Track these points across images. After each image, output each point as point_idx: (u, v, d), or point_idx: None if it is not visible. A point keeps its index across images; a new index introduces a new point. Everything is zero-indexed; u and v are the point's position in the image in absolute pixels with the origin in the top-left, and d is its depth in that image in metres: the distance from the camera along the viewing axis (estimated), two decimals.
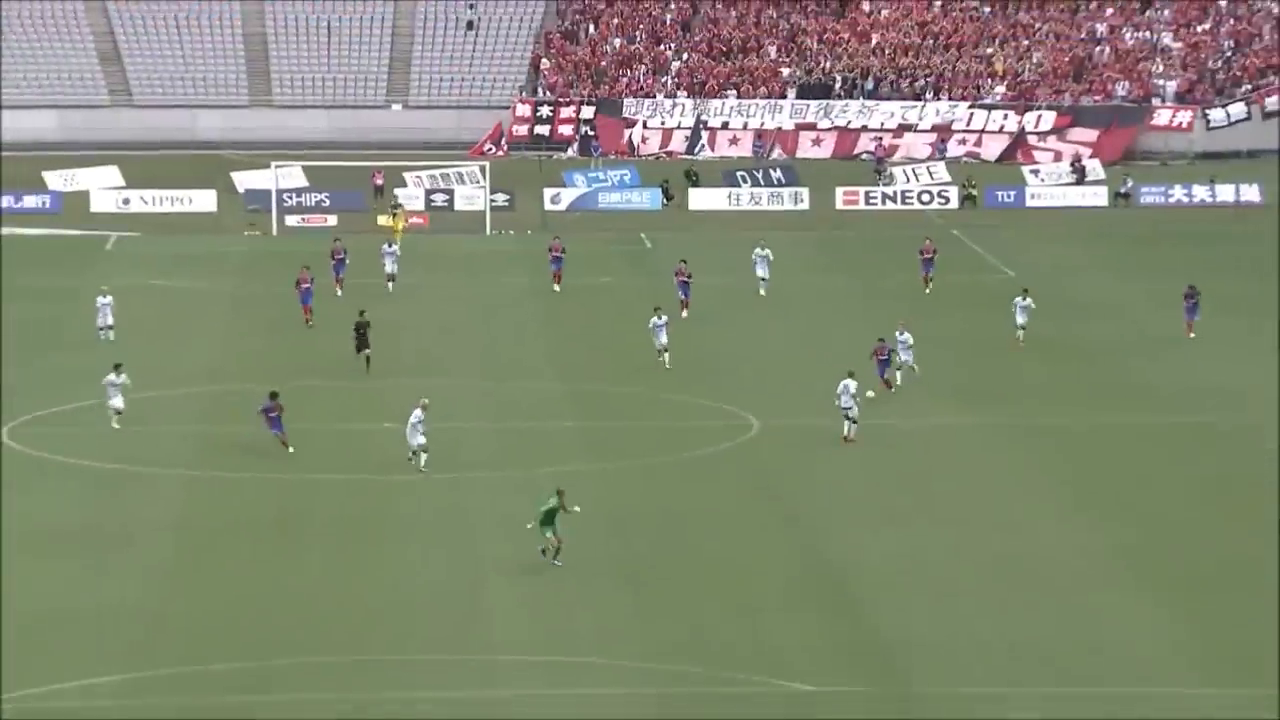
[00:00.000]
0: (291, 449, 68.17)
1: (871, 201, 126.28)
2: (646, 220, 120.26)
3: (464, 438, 70.77)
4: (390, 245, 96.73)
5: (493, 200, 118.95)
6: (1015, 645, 52.33)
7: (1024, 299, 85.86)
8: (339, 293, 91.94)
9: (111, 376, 71.82)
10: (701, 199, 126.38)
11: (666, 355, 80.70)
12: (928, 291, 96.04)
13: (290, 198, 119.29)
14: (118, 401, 71.63)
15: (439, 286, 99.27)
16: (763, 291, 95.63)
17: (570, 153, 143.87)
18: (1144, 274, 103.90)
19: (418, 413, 66.22)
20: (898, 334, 77.74)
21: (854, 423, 69.73)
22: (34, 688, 49.15)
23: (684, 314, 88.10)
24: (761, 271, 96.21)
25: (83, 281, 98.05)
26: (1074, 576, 57.78)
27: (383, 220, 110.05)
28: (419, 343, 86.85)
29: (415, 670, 50.27)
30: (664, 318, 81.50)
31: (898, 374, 77.10)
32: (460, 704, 47.50)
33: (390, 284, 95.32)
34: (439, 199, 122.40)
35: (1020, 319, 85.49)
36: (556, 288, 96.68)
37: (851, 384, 69.68)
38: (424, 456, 65.95)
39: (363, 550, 59.35)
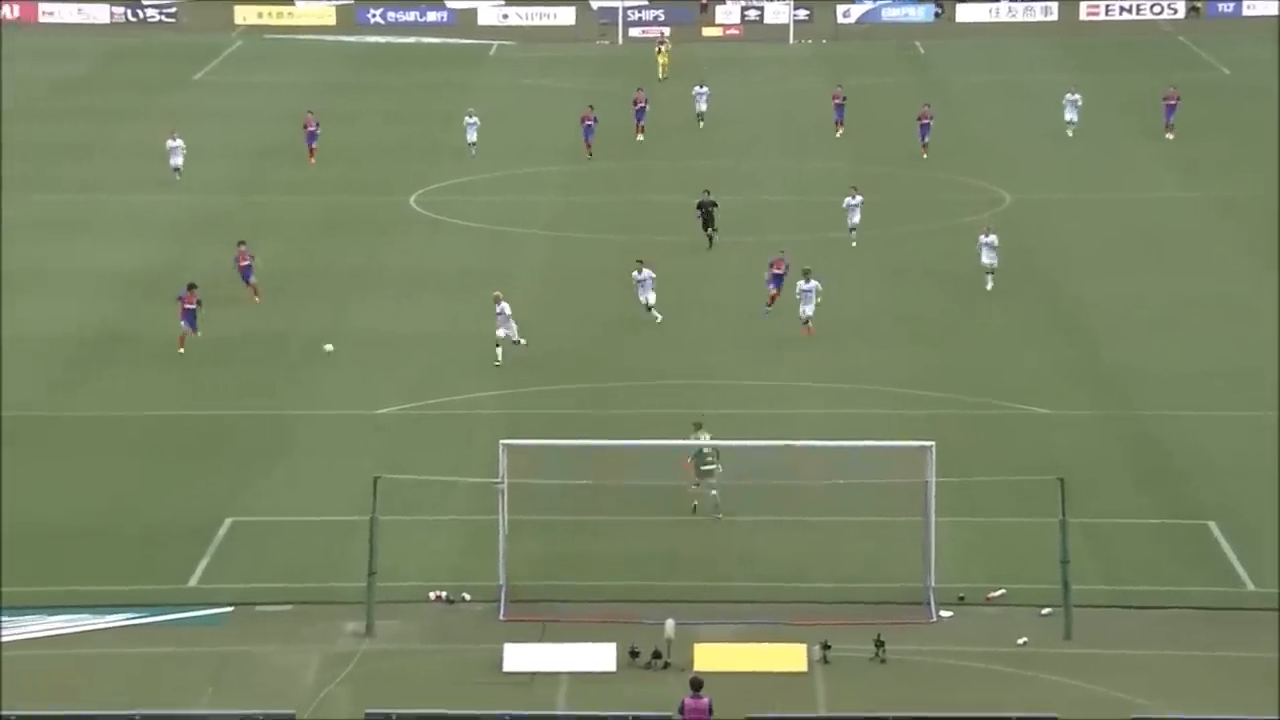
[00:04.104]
0: (200, 334, 53.06)
1: (1110, 13, 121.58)
2: (921, 31, 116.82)
3: (765, 211, 69.20)
4: (701, 86, 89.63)
5: (795, 15, 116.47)
6: (1218, 373, 50.56)
7: None
8: (640, 137, 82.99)
9: (503, 303, 52.40)
10: (968, 12, 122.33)
11: (855, 234, 63.63)
12: (1169, 137, 80.00)
13: (633, 13, 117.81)
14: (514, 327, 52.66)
15: (751, 84, 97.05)
16: (1070, 133, 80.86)
17: None
18: None
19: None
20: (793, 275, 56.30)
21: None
22: (437, 398, 49.65)
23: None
24: (1070, 115, 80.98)
25: (473, 78, 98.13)
26: (1265, 316, 55.41)
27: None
28: (731, 136, 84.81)
29: (721, 392, 49.69)
30: (858, 197, 64.06)
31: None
32: (758, 420, 46.59)
33: (700, 122, 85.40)
34: (751, 14, 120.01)
35: None
36: (838, 134, 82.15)
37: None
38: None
39: (690, 298, 58.36)
